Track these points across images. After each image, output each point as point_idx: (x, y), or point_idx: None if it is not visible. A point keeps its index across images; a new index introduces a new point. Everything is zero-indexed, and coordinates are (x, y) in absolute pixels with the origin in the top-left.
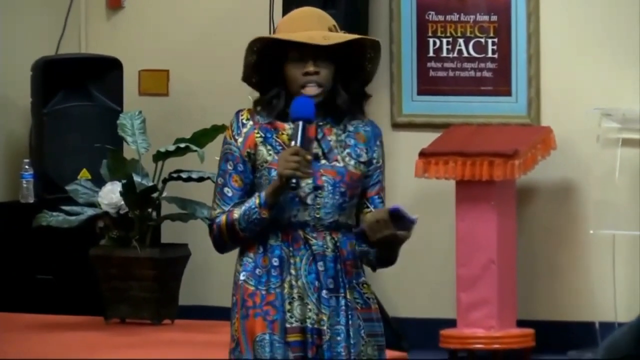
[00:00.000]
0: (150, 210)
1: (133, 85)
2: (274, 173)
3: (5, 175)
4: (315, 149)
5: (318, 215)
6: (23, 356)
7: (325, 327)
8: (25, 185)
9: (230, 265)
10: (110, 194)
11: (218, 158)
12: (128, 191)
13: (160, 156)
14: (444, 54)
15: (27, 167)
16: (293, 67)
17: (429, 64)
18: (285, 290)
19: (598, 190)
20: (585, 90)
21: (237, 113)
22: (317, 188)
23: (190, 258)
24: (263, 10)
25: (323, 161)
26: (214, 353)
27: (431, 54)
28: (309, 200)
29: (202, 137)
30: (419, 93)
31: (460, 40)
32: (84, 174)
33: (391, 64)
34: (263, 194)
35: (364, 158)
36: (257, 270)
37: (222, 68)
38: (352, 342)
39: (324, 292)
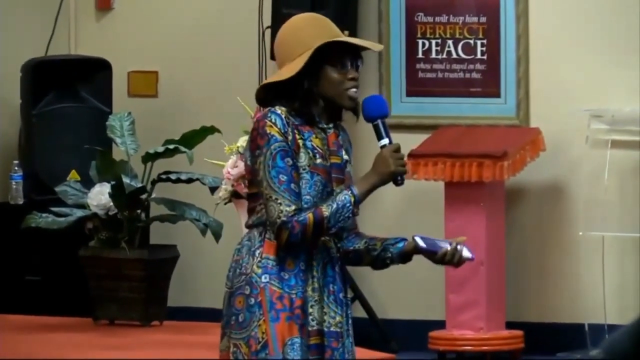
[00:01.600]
0: (139, 211)
1: (122, 87)
2: (316, 177)
3: None
4: (339, 157)
5: None
6: (11, 357)
7: (342, 330)
8: (14, 186)
9: (219, 268)
10: (100, 195)
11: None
12: (117, 192)
13: (149, 157)
14: (433, 55)
15: (16, 168)
16: (334, 71)
17: (417, 65)
18: (309, 294)
19: (587, 192)
20: (574, 92)
21: (275, 112)
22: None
23: (179, 259)
24: (252, 12)
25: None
26: (203, 354)
27: (420, 55)
28: None
29: (191, 139)
30: (408, 94)
31: (449, 42)
32: (73, 175)
33: (380, 65)
34: (356, 191)
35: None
36: (283, 274)
37: (212, 70)
38: (350, 340)
39: (341, 294)
